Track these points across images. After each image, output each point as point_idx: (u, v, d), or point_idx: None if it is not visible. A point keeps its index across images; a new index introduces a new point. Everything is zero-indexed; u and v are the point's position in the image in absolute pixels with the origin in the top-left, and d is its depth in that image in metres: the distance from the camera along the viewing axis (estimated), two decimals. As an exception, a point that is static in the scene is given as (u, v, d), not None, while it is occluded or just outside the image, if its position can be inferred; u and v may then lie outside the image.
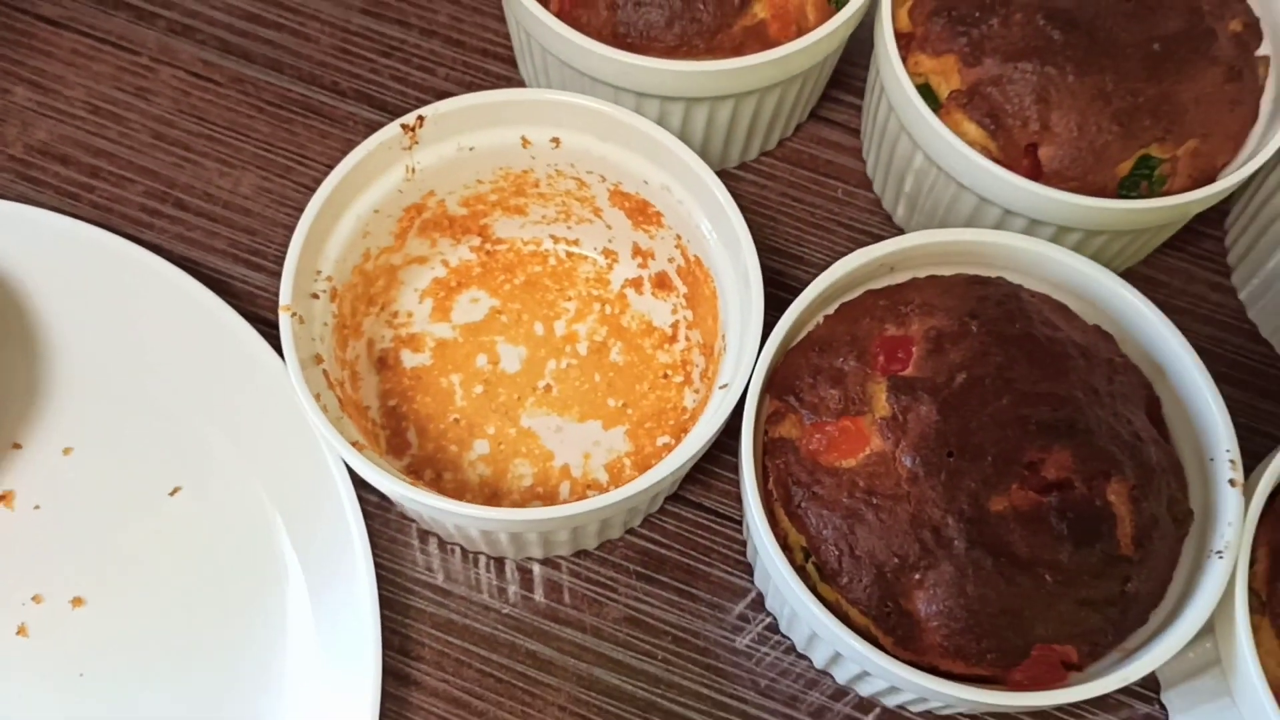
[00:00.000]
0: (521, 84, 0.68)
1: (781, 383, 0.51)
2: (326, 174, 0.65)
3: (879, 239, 0.65)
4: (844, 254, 0.64)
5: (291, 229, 0.63)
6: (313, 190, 0.64)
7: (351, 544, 0.54)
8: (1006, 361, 0.49)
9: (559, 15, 0.58)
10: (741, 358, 0.51)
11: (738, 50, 0.58)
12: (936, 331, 0.50)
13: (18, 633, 0.54)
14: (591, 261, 0.62)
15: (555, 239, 0.62)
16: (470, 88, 0.68)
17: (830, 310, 0.54)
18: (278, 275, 0.62)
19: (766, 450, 0.51)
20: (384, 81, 0.68)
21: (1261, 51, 0.58)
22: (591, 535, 0.56)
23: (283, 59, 0.68)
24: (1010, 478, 0.47)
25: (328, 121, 0.67)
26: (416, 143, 0.55)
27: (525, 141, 0.57)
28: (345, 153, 0.65)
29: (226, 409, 0.58)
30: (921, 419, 0.48)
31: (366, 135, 0.66)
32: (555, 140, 0.57)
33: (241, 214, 0.64)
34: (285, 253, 0.63)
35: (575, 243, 0.62)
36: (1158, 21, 0.55)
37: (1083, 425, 0.48)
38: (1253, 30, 0.58)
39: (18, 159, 0.65)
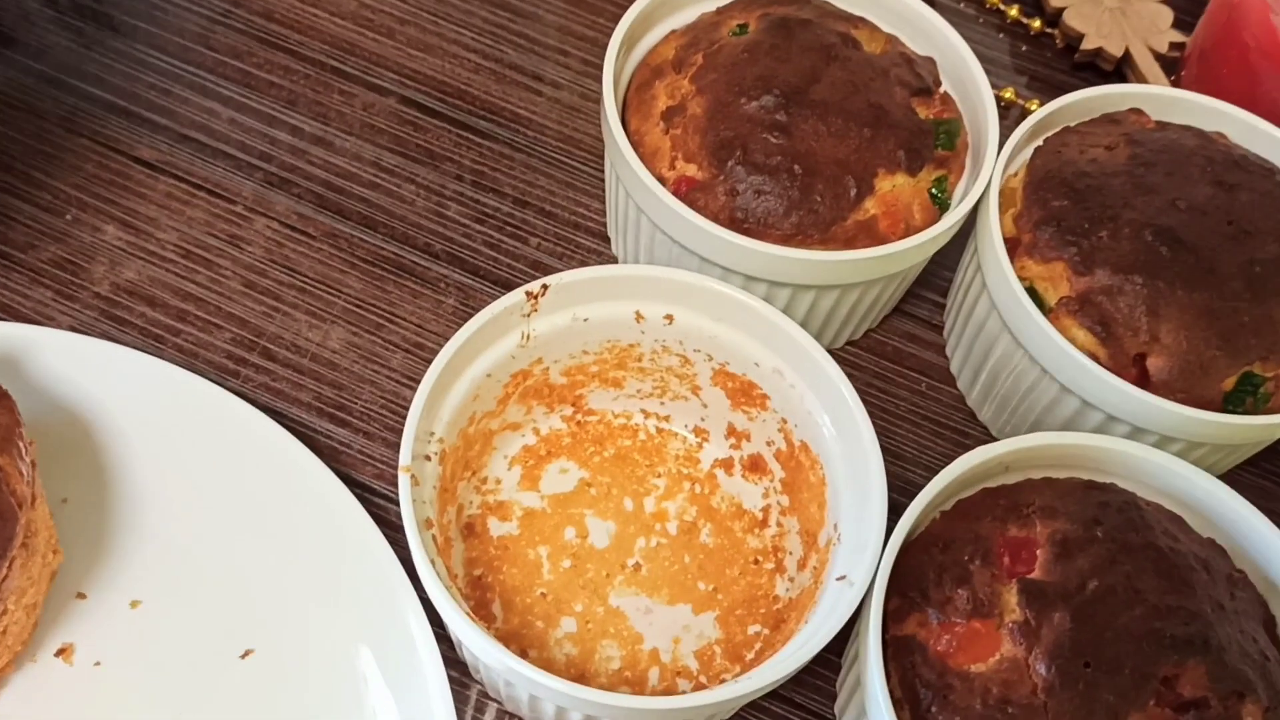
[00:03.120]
0: (612, 257, 0.69)
1: (905, 579, 0.50)
2: (416, 333, 0.65)
3: (964, 434, 0.66)
4: (930, 447, 0.65)
5: (378, 386, 0.63)
6: (401, 349, 0.64)
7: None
8: (1134, 571, 0.48)
9: (675, 197, 0.59)
10: (863, 551, 0.50)
11: (850, 243, 0.59)
12: (1062, 536, 0.50)
13: (66, 803, 0.50)
14: (681, 439, 0.62)
15: (646, 414, 0.62)
16: (561, 258, 0.69)
17: (945, 507, 0.53)
18: (362, 432, 0.62)
19: (886, 648, 0.49)
20: (476, 247, 0.68)
21: (1349, 280, 0.60)
22: (682, 727, 0.54)
23: (377, 217, 0.68)
24: (1147, 693, 0.46)
25: (419, 282, 0.66)
26: (536, 310, 0.55)
27: (639, 316, 0.57)
28: (435, 314, 0.66)
29: (307, 571, 0.55)
30: (1055, 626, 0.47)
31: (458, 298, 0.66)
32: (669, 317, 0.57)
33: (329, 368, 0.63)
34: (371, 410, 0.62)
35: (666, 419, 0.62)
36: (1256, 245, 0.57)
37: (1215, 642, 0.47)
38: (1341, 259, 0.60)
39: (104, 297, 0.64)
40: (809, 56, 0.60)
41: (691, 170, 0.60)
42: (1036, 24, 0.80)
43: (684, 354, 0.59)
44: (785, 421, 0.58)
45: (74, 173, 0.68)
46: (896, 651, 0.49)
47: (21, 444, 0.50)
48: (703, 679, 0.56)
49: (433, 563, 0.48)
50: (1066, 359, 0.56)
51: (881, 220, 0.59)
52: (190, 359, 0.63)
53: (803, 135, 0.59)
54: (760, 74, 0.60)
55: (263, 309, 0.65)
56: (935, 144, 0.61)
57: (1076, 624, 0.47)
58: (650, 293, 0.56)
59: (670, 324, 0.57)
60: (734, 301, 0.55)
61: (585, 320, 0.57)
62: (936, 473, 0.63)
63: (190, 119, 0.70)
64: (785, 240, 0.58)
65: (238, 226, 0.67)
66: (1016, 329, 0.58)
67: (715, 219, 0.58)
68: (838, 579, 0.51)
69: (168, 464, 0.57)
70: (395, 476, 0.60)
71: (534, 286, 0.55)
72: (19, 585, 0.49)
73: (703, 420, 0.61)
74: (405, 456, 0.50)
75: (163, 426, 0.58)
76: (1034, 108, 0.75)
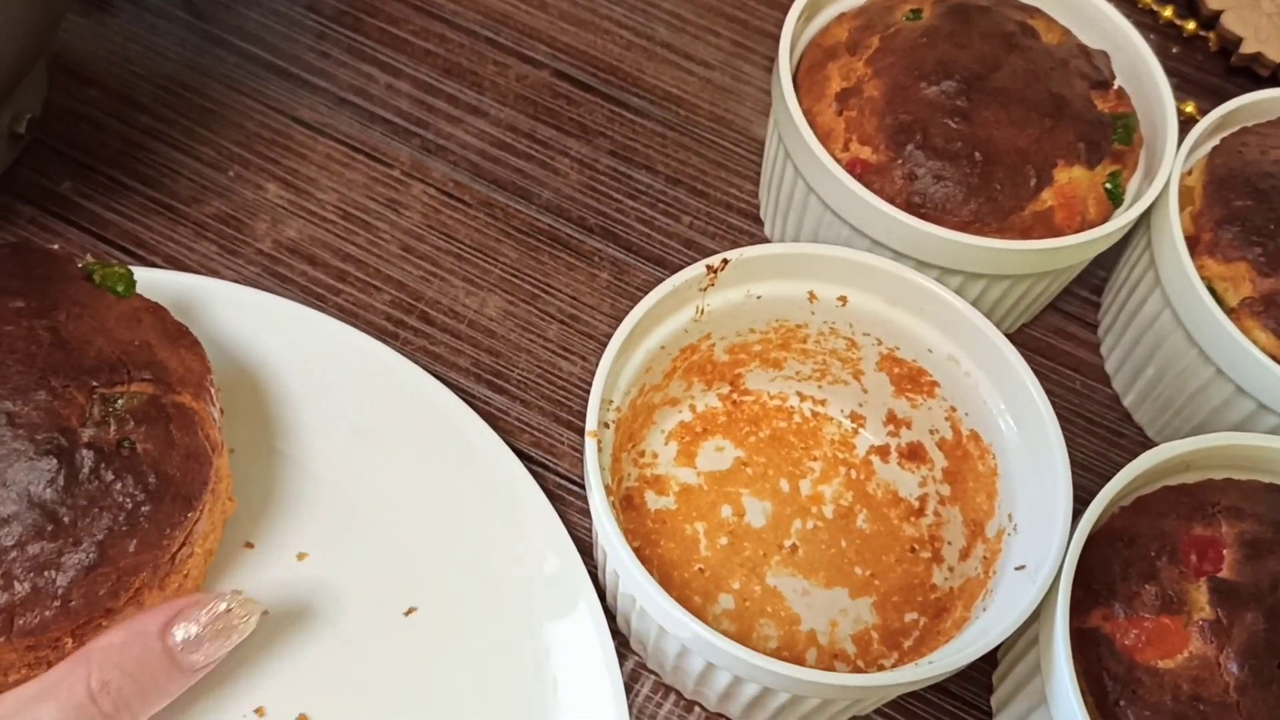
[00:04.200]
0: (764, 239, 0.68)
1: (1087, 573, 0.49)
2: (571, 305, 0.65)
3: (1118, 434, 0.65)
4: (1084, 445, 0.64)
5: (535, 356, 0.63)
6: (557, 320, 0.64)
7: (603, 690, 0.51)
8: (1326, 576, 0.48)
9: (849, 179, 0.58)
10: (1046, 542, 0.50)
11: (1026, 233, 0.58)
12: (1252, 537, 0.49)
13: (236, 746, 0.51)
14: (836, 423, 0.61)
15: (802, 396, 0.62)
16: (713, 237, 0.68)
17: (1125, 502, 0.52)
18: (520, 400, 0.62)
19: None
20: (629, 222, 0.68)
21: None
22: (841, 711, 0.53)
23: (531, 188, 0.68)
24: (1342, 699, 0.45)
25: (574, 255, 0.67)
26: (714, 285, 0.55)
27: (812, 296, 0.57)
28: (590, 287, 0.66)
29: (470, 532, 0.56)
30: (1248, 626, 0.46)
31: (612, 273, 0.66)
32: (843, 299, 0.57)
33: (486, 335, 0.63)
34: (528, 379, 0.63)
35: (822, 402, 0.61)
36: None
37: None
38: None
39: (266, 254, 0.65)
40: (988, 44, 0.60)
41: (866, 153, 0.59)
42: (1190, 26, 0.79)
43: (852, 337, 0.58)
44: (955, 410, 0.57)
45: (236, 130, 0.68)
46: (1079, 644, 0.48)
47: (212, 390, 0.50)
48: (860, 663, 0.55)
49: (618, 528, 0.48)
50: (1250, 360, 0.55)
51: (1058, 212, 0.59)
52: (350, 319, 0.63)
53: (983, 122, 0.58)
54: (940, 59, 0.59)
55: (421, 273, 0.65)
56: (1113, 138, 0.60)
57: (1270, 624, 0.46)
58: (826, 273, 0.56)
59: (843, 306, 0.57)
60: (915, 287, 0.55)
61: (759, 298, 0.56)
62: (1091, 471, 0.63)
63: (348, 83, 0.71)
64: (962, 227, 0.58)
65: (395, 191, 0.68)
66: (1193, 328, 0.57)
67: (890, 203, 0.58)
68: (1016, 568, 0.51)
69: (333, 418, 0.58)
70: (551, 445, 0.61)
71: (714, 260, 0.54)
72: (204, 530, 0.49)
73: (860, 406, 0.61)
74: (591, 421, 0.50)
75: (329, 381, 0.58)
76: (1189, 109, 0.74)
